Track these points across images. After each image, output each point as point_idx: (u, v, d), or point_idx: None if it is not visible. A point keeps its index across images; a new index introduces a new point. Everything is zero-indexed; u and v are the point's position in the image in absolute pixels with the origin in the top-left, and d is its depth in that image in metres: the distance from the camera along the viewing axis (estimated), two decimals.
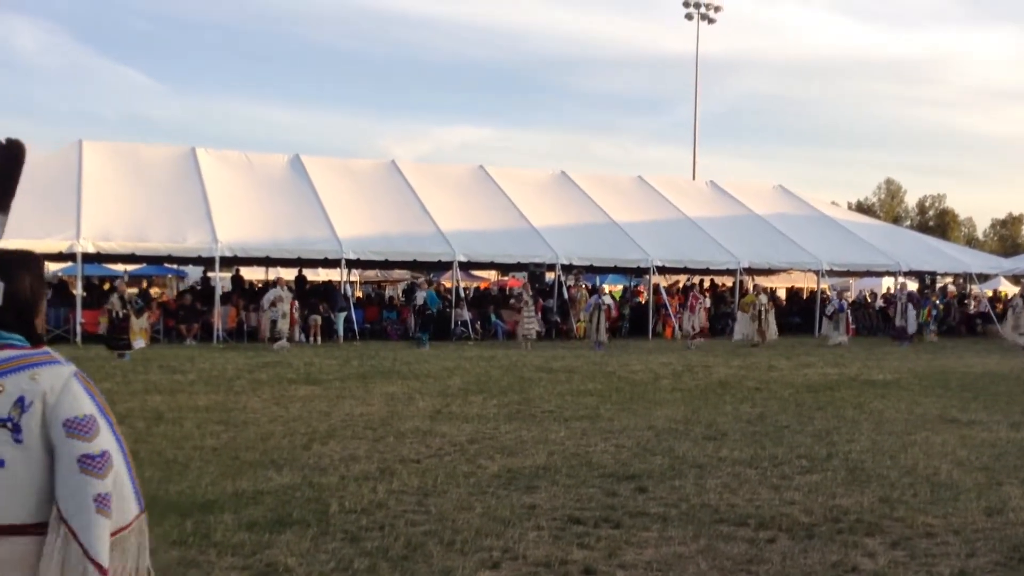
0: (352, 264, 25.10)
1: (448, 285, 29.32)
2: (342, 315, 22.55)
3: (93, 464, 2.15)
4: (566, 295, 25.29)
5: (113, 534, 2.18)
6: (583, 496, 6.64)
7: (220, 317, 22.07)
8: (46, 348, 2.28)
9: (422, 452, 8.23)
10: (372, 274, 39.09)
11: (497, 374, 15.17)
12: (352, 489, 6.71)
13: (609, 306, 22.72)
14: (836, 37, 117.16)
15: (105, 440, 2.20)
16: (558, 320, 25.07)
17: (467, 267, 28.76)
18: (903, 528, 5.86)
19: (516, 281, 37.05)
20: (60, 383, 2.20)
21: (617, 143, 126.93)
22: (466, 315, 24.00)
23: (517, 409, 11.08)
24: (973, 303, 30.95)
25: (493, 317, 25.26)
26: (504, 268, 33.64)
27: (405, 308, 25.12)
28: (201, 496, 6.47)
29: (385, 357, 17.97)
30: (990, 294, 34.69)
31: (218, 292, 22.69)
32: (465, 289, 27.11)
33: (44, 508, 2.16)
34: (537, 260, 24.88)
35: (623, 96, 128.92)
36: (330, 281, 30.78)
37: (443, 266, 26.71)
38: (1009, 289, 37.69)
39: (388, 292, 34.13)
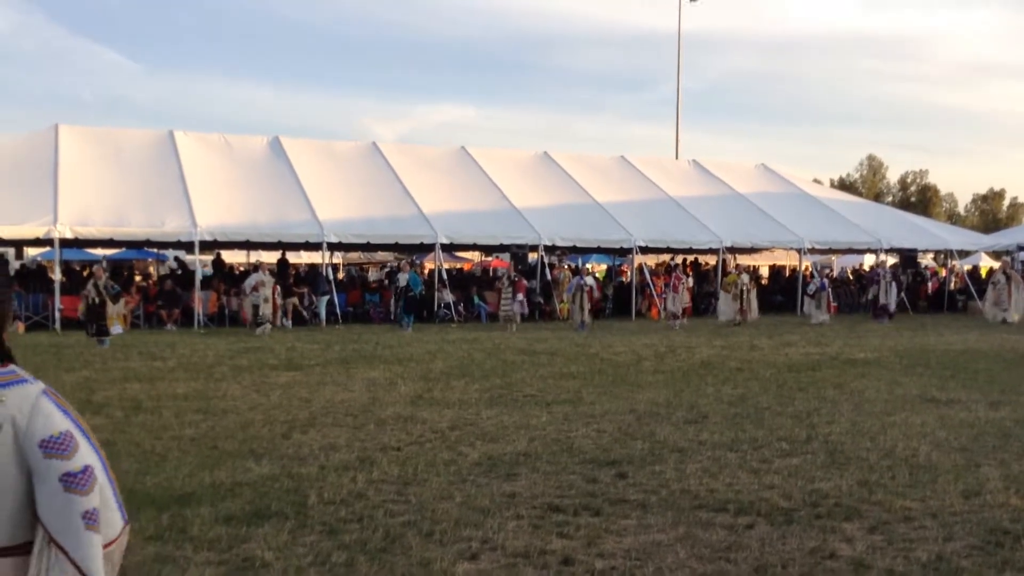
0: (334, 247, 24.98)
1: (430, 267, 29.26)
2: (324, 299, 22.44)
3: (76, 481, 2.09)
4: (549, 276, 25.25)
5: (103, 547, 2.13)
6: (563, 483, 6.64)
7: (201, 302, 21.92)
8: (12, 367, 2.19)
9: (403, 440, 8.20)
10: (354, 256, 38.96)
11: (480, 357, 15.15)
12: (331, 479, 6.67)
13: (592, 287, 22.71)
14: (819, 13, 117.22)
15: (85, 455, 2.14)
16: (541, 301, 25.05)
17: (450, 249, 28.69)
18: (881, 512, 5.88)
19: (500, 262, 37.02)
20: (28, 404, 2.12)
21: (600, 121, 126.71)
22: (449, 297, 23.94)
23: (499, 394, 11.06)
24: (955, 279, 31.13)
25: (476, 299, 25.21)
26: (487, 249, 33.57)
27: (387, 291, 25.03)
28: (178, 488, 6.42)
29: (367, 341, 17.91)
30: (970, 269, 34.86)
31: (198, 276, 22.50)
32: (448, 271, 27.01)
33: (21, 530, 2.10)
34: (520, 241, 24.83)
35: (606, 74, 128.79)
36: (312, 265, 30.64)
37: (426, 248, 26.62)
38: (990, 265, 37.94)
39: (371, 275, 33.97)
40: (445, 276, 24.59)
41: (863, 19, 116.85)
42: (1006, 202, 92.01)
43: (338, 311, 22.59)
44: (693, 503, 6.10)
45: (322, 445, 7.94)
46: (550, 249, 25.50)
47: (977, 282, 29.32)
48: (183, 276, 25.45)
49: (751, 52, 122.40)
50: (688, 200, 28.32)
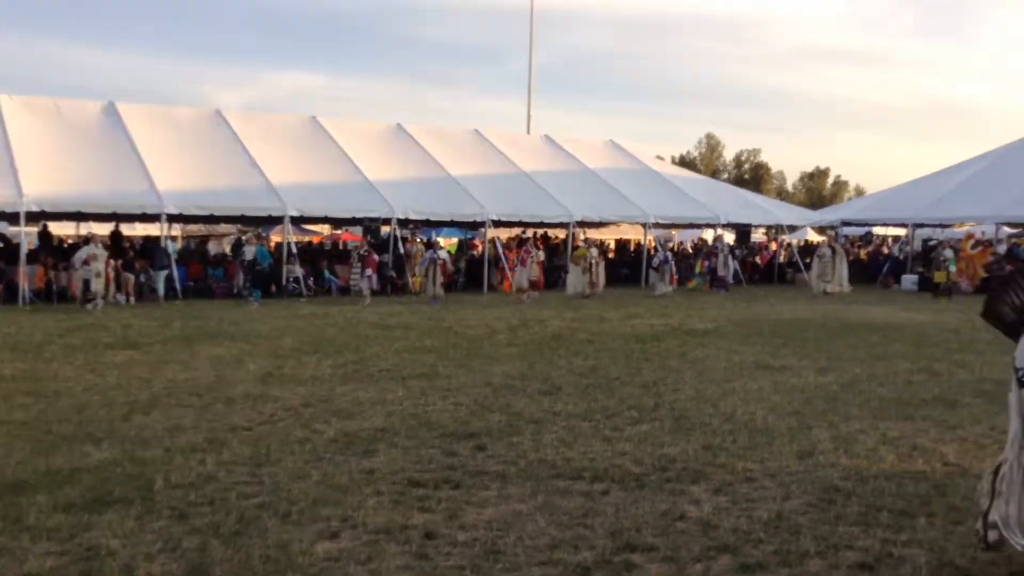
0: (173, 219, 23.83)
1: (278, 240, 28.45)
2: (163, 273, 21.38)
3: None
4: (402, 250, 25.07)
5: None
6: (422, 458, 6.63)
7: (26, 277, 20.46)
8: None
9: (253, 419, 7.96)
10: (195, 228, 37.33)
11: (332, 332, 14.89)
12: (178, 462, 6.40)
13: (445, 260, 22.71)
14: None
15: None
16: (394, 275, 24.84)
17: (299, 221, 27.97)
18: (725, 474, 6.20)
19: (351, 235, 36.42)
20: None
21: (454, 94, 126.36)
22: (298, 271, 23.35)
23: (353, 369, 10.92)
24: (784, 253, 33.00)
25: (327, 273, 24.72)
26: (338, 223, 32.93)
27: (232, 264, 24.14)
28: (10, 476, 6.01)
29: (211, 317, 17.26)
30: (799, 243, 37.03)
31: (23, 249, 20.98)
32: (297, 244, 26.33)
33: None
34: (373, 214, 24.49)
35: (459, 46, 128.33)
36: (149, 237, 29.17)
37: (274, 220, 25.84)
38: (816, 239, 40.44)
39: (213, 248, 32.58)
40: (294, 249, 23.97)
41: (705, 1, 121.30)
42: (830, 180, 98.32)
43: (177, 286, 21.61)
44: (550, 472, 6.23)
45: (166, 427, 7.61)
46: (403, 223, 25.28)
47: (804, 255, 31.23)
48: (6, 249, 23.65)
49: (601, 29, 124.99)
50: (540, 175, 28.69)
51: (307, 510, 5.34)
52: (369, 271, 21.84)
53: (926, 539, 4.86)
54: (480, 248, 29.90)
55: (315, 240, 37.00)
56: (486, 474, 6.19)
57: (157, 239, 24.68)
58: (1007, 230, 30.69)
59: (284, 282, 23.18)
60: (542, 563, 4.57)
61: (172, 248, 24.23)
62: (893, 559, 4.61)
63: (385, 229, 26.41)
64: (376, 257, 22.82)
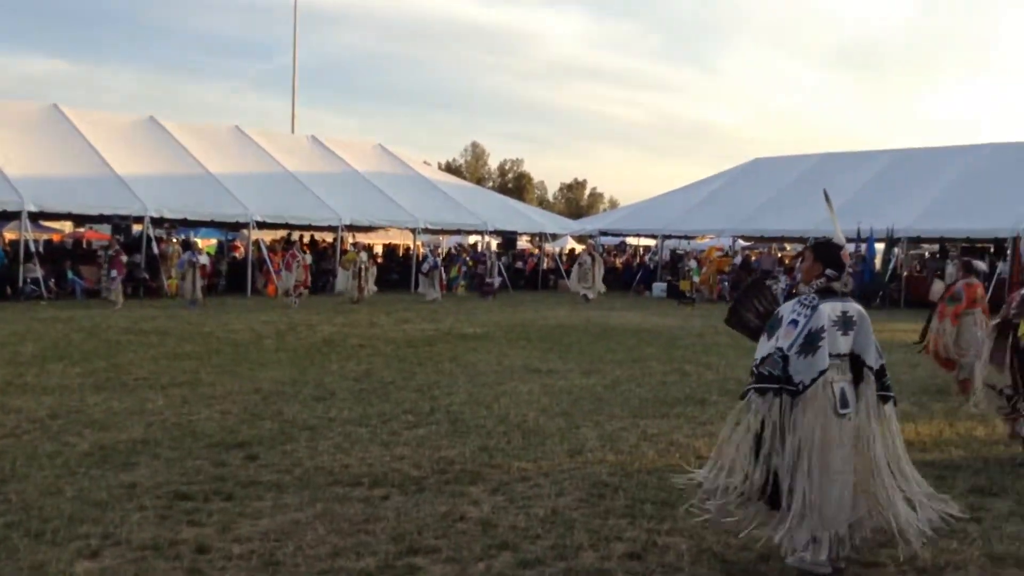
0: None
1: (12, 237, 25.90)
2: None
3: None
4: (156, 250, 23.59)
5: None
6: (189, 469, 6.29)
7: None
8: None
9: None
10: None
11: (78, 338, 13.76)
12: None
13: (205, 264, 21.63)
14: (432, 1, 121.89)
15: None
16: (147, 277, 23.32)
17: (37, 217, 25.56)
18: (501, 474, 6.36)
19: (96, 233, 33.76)
20: None
21: (212, 89, 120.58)
22: (37, 272, 21.35)
23: (105, 377, 10.15)
24: (547, 260, 34.37)
25: (70, 274, 22.80)
26: (83, 219, 30.45)
27: None
28: None
29: None
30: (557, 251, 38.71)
31: None
32: (35, 242, 24.06)
33: None
34: (122, 212, 22.86)
35: (219, 39, 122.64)
36: None
37: (9, 216, 23.45)
38: (576, 247, 42.43)
39: None
40: (32, 248, 21.90)
41: (473, 10, 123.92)
42: (587, 191, 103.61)
43: None
44: (328, 479, 6.11)
45: None
46: (157, 221, 23.80)
47: (565, 263, 32.69)
48: None
49: (367, 32, 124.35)
50: (306, 176, 28.04)
51: (63, 528, 4.90)
52: (115, 272, 20.33)
53: (686, 528, 5.23)
54: (242, 250, 28.76)
55: (55, 238, 34.00)
56: (260, 484, 5.97)
57: None
58: (741, 243, 33.70)
59: (21, 284, 21.13)
60: (324, 572, 4.48)
61: None
62: (658, 548, 4.93)
63: (137, 227, 24.75)
64: (124, 258, 21.27)
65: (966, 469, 6.71)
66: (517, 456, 6.88)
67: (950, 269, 22.66)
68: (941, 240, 29.05)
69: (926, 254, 32.45)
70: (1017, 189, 25.08)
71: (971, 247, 27.74)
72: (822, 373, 4.45)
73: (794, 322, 4.55)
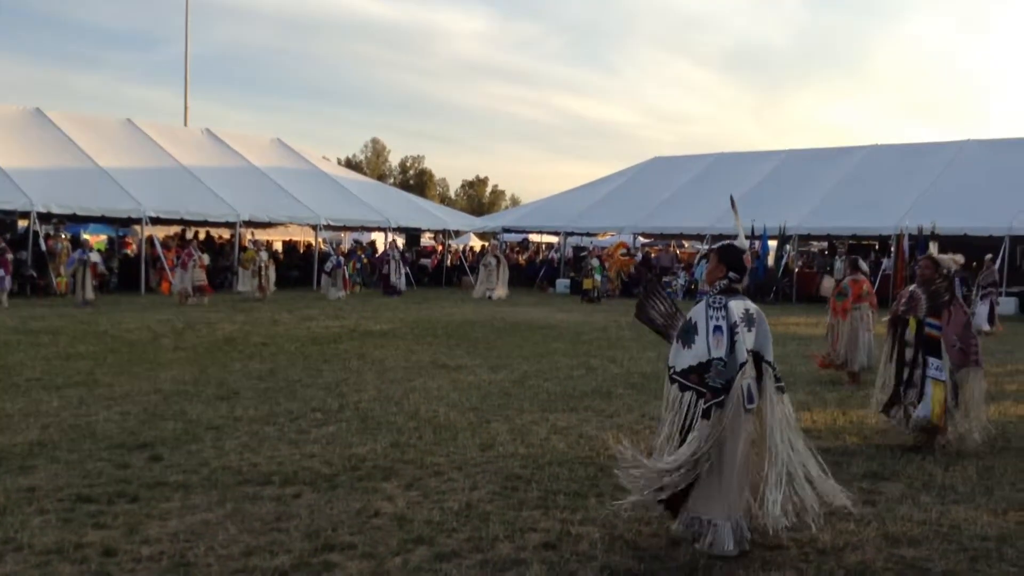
0: None
1: None
2: None
3: None
4: (44, 247, 22.59)
5: None
6: (90, 471, 6.08)
7: None
8: None
9: None
10: None
11: None
12: None
13: (97, 262, 20.82)
14: None
15: None
16: (34, 275, 22.30)
17: None
18: (415, 469, 6.36)
19: None
20: None
21: (101, 80, 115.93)
22: None
23: None
24: (451, 257, 34.33)
25: None
26: None
27: None
28: None
29: None
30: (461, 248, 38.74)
31: None
32: None
33: None
34: (7, 207, 21.80)
35: (107, 28, 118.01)
36: None
37: None
38: (479, 244, 42.53)
39: None
40: None
41: (374, 7, 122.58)
42: (489, 188, 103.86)
43: None
44: (237, 479, 6.00)
45: None
46: (45, 217, 22.78)
47: (468, 260, 32.73)
48: None
49: (262, 24, 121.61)
50: (201, 170, 27.31)
51: None
52: (0, 271, 19.38)
53: (598, 517, 5.35)
54: (135, 247, 27.78)
55: None
56: (166, 485, 5.82)
57: None
58: (641, 240, 34.39)
59: None
60: (237, 571, 4.41)
61: None
62: (572, 537, 5.02)
63: (22, 223, 23.63)
64: (10, 256, 20.29)
65: (860, 455, 7.05)
66: (429, 451, 6.89)
67: (838, 265, 23.67)
68: (829, 237, 30.37)
69: (815, 251, 33.87)
70: (898, 189, 26.42)
71: (857, 244, 29.08)
72: (743, 366, 4.64)
73: (718, 328, 4.70)
